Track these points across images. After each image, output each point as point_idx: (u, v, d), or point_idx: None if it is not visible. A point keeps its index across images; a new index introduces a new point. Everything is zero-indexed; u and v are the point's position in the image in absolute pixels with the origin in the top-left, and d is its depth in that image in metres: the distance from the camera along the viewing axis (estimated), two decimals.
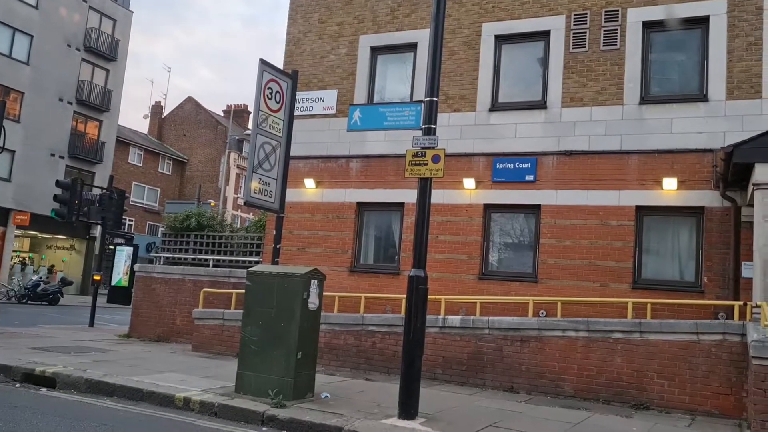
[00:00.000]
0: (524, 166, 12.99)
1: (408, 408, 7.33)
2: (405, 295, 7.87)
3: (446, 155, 8.36)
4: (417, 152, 8.10)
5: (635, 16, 12.54)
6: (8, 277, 32.02)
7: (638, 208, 12.06)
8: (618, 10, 12.67)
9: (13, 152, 32.15)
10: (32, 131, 34.01)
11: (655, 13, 12.43)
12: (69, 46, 36.50)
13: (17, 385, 8.78)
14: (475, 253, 13.09)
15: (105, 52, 38.75)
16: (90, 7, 37.82)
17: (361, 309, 12.04)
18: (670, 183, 11.79)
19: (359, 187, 14.37)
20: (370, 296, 12.44)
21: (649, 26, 12.49)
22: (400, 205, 13.91)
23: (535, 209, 12.86)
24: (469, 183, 13.29)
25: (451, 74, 13.73)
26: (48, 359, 10.06)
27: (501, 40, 13.69)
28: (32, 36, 34.37)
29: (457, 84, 13.78)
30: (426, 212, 7.92)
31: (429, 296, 7.86)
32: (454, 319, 10.89)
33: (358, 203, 14.38)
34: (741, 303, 9.91)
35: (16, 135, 31.73)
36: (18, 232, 35.14)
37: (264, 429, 7.04)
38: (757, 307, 8.96)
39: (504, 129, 13.26)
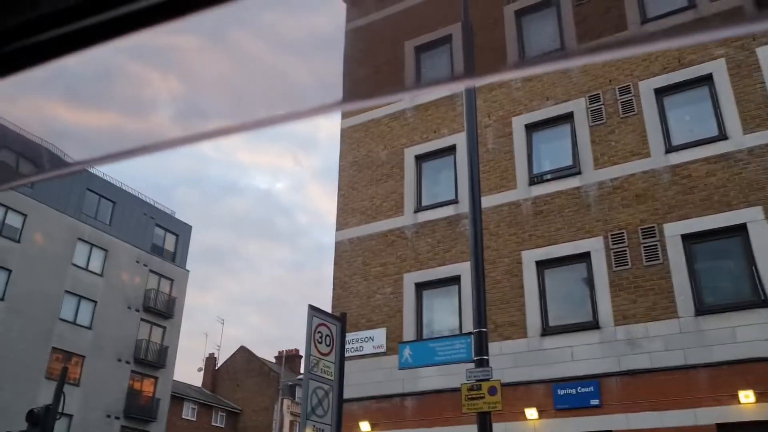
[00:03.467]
0: (587, 390, 12.43)
1: None
2: None
3: (502, 385, 8.12)
4: (472, 386, 7.91)
5: (672, 231, 12.79)
6: None
7: (719, 427, 11.18)
8: (654, 227, 12.96)
9: (70, 417, 32.25)
10: (90, 393, 34.41)
11: (692, 225, 12.66)
12: (129, 308, 38.29)
13: None
14: None
15: (162, 311, 40.41)
16: (150, 270, 40.28)
17: None
18: (747, 395, 11.06)
19: (416, 426, 13.78)
20: None
21: (689, 238, 12.66)
22: None
23: None
24: (531, 413, 12.67)
25: (497, 302, 13.81)
26: None
27: (542, 265, 13.94)
28: (96, 302, 36.32)
29: (505, 311, 13.80)
30: None
31: None
32: None
33: None
34: None
35: (74, 398, 32.09)
36: None
37: None
38: None
39: (559, 353, 12.94)
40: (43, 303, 33.06)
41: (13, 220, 32.93)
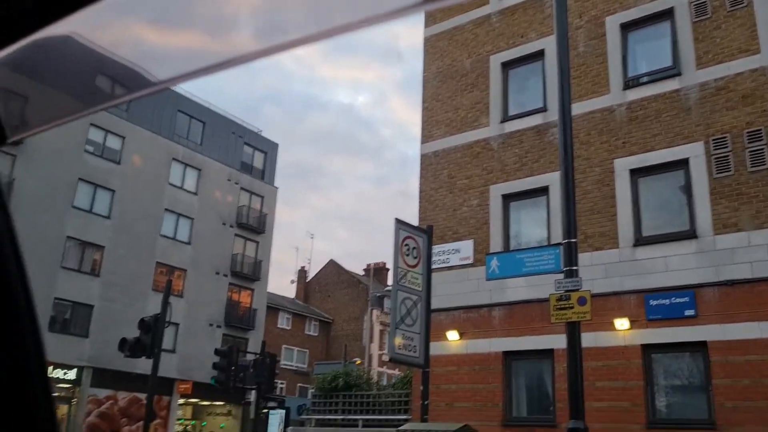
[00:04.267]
0: (681, 300, 12.13)
1: None
2: None
3: (592, 296, 8.02)
4: (561, 296, 7.84)
5: None
6: None
7: None
8: (761, 130, 12.13)
9: (177, 325, 34.62)
10: (193, 304, 36.69)
11: None
12: (224, 224, 39.99)
13: None
14: (638, 399, 12.03)
15: (254, 226, 42.00)
16: (241, 188, 41.66)
17: None
18: None
19: (504, 335, 13.97)
20: None
21: None
22: (549, 352, 13.27)
23: (700, 346, 11.79)
24: (621, 323, 12.54)
25: (587, 213, 13.48)
26: None
27: (636, 173, 13.41)
28: (192, 219, 38.12)
29: (595, 222, 13.48)
30: (578, 358, 7.50)
31: None
32: None
33: (504, 353, 13.90)
34: None
35: (179, 309, 34.32)
36: (181, 401, 36.91)
37: None
38: None
39: (652, 263, 12.61)
40: (145, 221, 35.03)
41: (113, 142, 34.56)
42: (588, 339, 11.23)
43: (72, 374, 31.29)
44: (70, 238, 32.12)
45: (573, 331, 7.67)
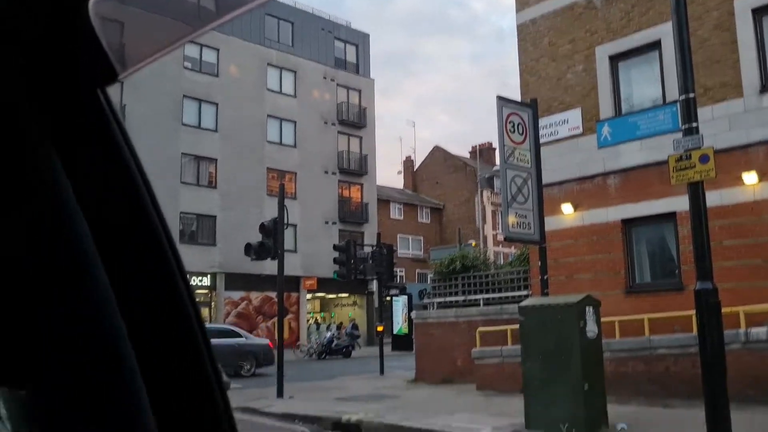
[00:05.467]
0: None
1: None
2: (693, 312, 7.15)
3: (715, 152, 7.55)
4: (680, 156, 7.43)
5: None
6: (306, 337, 35.73)
7: None
8: None
9: (295, 226, 36.19)
10: (307, 204, 38.06)
11: None
12: (325, 123, 40.50)
13: None
14: None
15: (355, 122, 42.26)
16: (337, 85, 41.69)
17: (645, 331, 11.19)
18: None
19: (621, 203, 13.56)
20: (653, 317, 11.52)
21: None
22: (671, 216, 12.80)
23: None
24: (749, 178, 11.80)
25: (705, 63, 12.46)
26: (350, 408, 10.88)
27: (760, 12, 12.14)
28: (295, 122, 38.82)
29: (716, 72, 12.46)
30: (703, 218, 7.18)
31: (723, 309, 7.04)
32: (760, 332, 9.59)
33: (623, 220, 13.55)
34: None
35: (294, 210, 35.71)
36: (308, 296, 39.20)
37: None
38: None
39: None
40: (250, 129, 36.08)
41: (209, 56, 35.24)
42: (712, 198, 10.69)
43: (207, 280, 33.81)
44: (185, 154, 33.75)
45: (696, 191, 7.30)
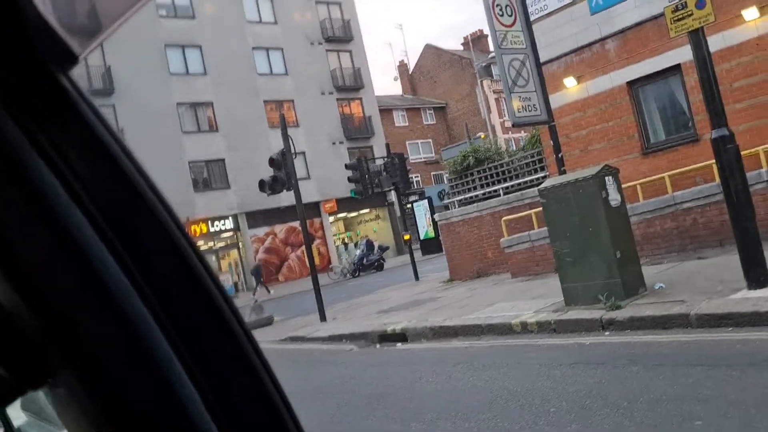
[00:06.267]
0: None
1: (756, 276, 6.68)
2: (713, 161, 7.14)
3: None
4: (676, 6, 7.22)
5: None
6: (337, 258, 36.37)
7: None
8: None
9: (303, 153, 36.13)
10: (310, 129, 37.82)
11: None
12: (312, 43, 39.61)
13: (377, 346, 9.96)
14: None
15: (342, 36, 41.26)
16: (316, 2, 40.49)
17: (668, 189, 11.22)
18: None
19: (623, 66, 13.29)
20: (673, 173, 11.50)
21: None
22: (676, 68, 12.55)
23: None
24: (749, 14, 11.44)
25: None
26: (393, 318, 11.21)
27: None
28: (282, 48, 38.00)
29: None
30: (709, 65, 7.06)
31: (742, 151, 7.02)
32: None
33: (628, 83, 13.32)
34: None
35: (299, 137, 35.58)
36: (331, 219, 39.60)
37: (606, 333, 7.00)
38: None
39: None
40: (238, 65, 35.43)
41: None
42: (714, 41, 10.45)
43: (229, 223, 34.21)
44: (180, 103, 33.42)
45: (697, 38, 7.13)
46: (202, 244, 33.48)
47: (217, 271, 33.25)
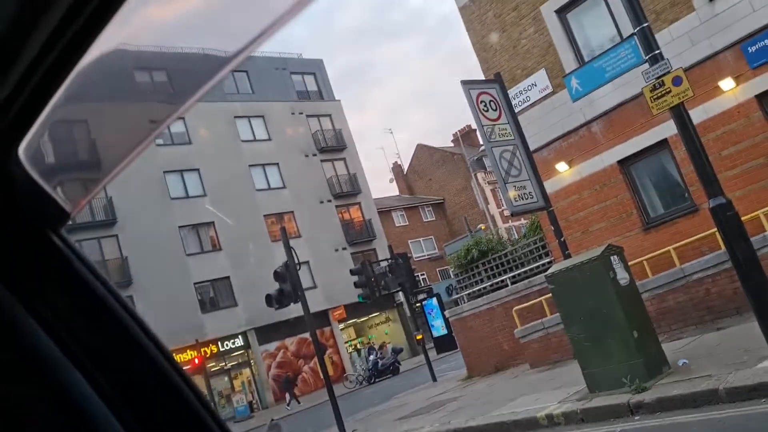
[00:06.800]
0: None
1: None
2: (715, 229, 7.15)
3: (686, 70, 7.57)
4: (654, 85, 7.45)
5: None
6: (351, 366, 35.63)
7: None
8: None
9: (307, 262, 36.16)
10: (312, 238, 38.08)
11: None
12: (306, 155, 40.60)
13: None
14: None
15: (335, 146, 42.34)
16: (306, 116, 41.81)
17: (675, 262, 11.16)
18: None
19: (612, 146, 13.57)
20: (678, 245, 11.49)
21: None
22: (663, 143, 12.81)
23: None
24: (726, 84, 11.81)
25: None
26: (414, 425, 10.86)
27: None
28: (277, 163, 38.91)
29: None
30: (695, 137, 7.21)
31: (742, 217, 7.04)
32: None
33: (619, 161, 13.55)
34: None
35: (302, 247, 35.69)
36: (341, 326, 39.12)
37: (636, 418, 6.76)
38: None
39: (734, 11, 11.64)
40: (236, 182, 36.15)
41: (177, 127, 35.35)
42: (697, 114, 10.74)
43: (239, 341, 33.76)
44: (182, 226, 33.82)
45: (680, 113, 7.31)
46: (213, 365, 32.93)
47: (229, 392, 32.61)
